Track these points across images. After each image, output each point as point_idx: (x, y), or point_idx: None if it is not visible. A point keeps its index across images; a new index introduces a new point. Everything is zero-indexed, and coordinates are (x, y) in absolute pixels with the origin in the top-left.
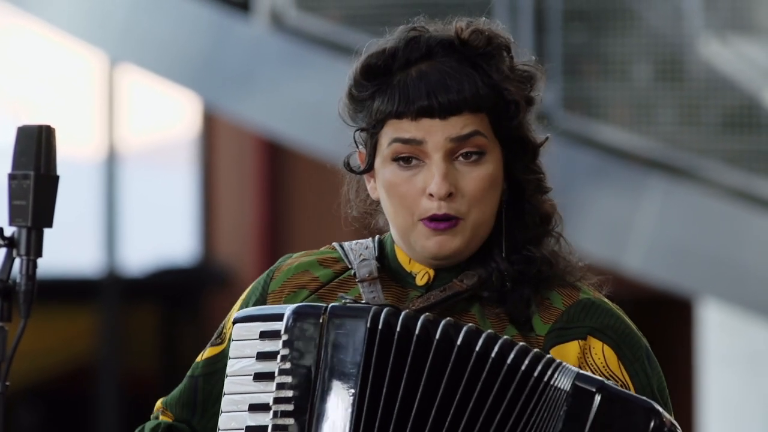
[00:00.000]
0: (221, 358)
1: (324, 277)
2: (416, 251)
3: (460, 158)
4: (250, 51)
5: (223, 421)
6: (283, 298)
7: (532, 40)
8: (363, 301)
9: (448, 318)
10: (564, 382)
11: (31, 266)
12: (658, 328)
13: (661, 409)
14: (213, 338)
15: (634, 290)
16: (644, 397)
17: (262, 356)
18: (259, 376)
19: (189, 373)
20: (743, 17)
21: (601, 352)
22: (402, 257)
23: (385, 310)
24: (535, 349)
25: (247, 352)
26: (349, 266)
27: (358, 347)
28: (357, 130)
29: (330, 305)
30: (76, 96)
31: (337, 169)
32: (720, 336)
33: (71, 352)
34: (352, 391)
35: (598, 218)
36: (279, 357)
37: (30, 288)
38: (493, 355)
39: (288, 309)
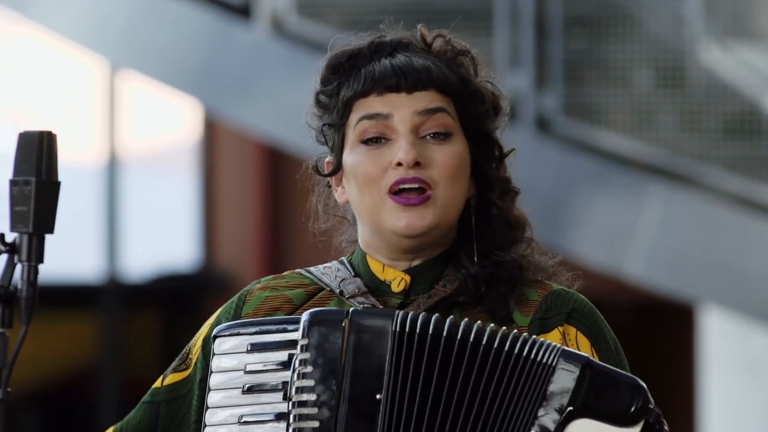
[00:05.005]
0: (185, 384)
1: (297, 298)
2: (386, 232)
3: (428, 137)
4: (251, 57)
5: None
6: None
7: (532, 46)
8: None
9: (466, 319)
10: (550, 358)
11: (32, 272)
12: (660, 334)
13: (645, 387)
14: (175, 364)
15: (636, 296)
16: (630, 374)
17: (251, 369)
18: (249, 389)
19: (146, 398)
20: (744, 23)
21: (575, 338)
22: (375, 266)
23: (410, 314)
24: (524, 334)
25: (232, 365)
26: (326, 287)
27: (384, 351)
28: (324, 125)
29: (352, 309)
30: (77, 102)
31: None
32: (721, 342)
33: (72, 358)
34: (380, 395)
35: (599, 224)
36: (298, 361)
37: (31, 294)
38: (514, 350)
39: (305, 314)
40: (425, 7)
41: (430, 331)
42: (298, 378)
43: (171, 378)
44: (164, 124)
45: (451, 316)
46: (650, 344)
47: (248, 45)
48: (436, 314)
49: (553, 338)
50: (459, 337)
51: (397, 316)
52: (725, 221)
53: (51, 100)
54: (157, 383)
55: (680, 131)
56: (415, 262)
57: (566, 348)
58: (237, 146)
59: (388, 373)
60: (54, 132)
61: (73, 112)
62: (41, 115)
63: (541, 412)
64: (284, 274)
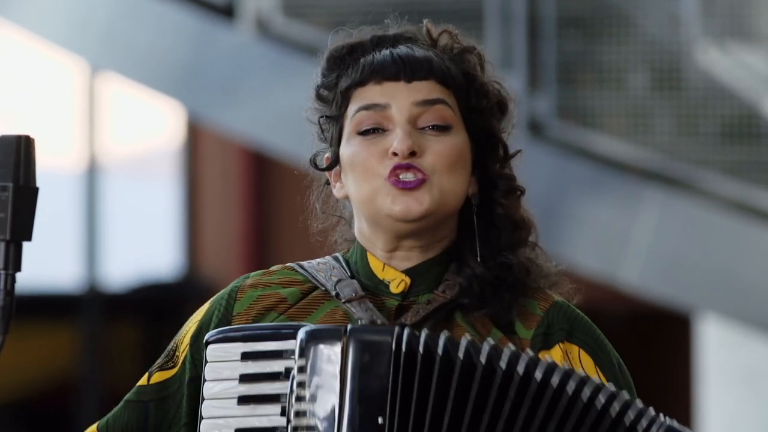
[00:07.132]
0: (174, 382)
1: (291, 297)
2: (382, 218)
3: (427, 129)
4: (235, 59)
5: None
6: (250, 320)
7: (525, 48)
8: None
9: (468, 337)
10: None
11: (9, 281)
12: (656, 342)
13: None
14: (161, 361)
15: (631, 304)
16: None
17: (246, 378)
18: (244, 399)
19: (131, 397)
20: (742, 24)
21: (578, 357)
22: (375, 264)
23: (407, 331)
24: (624, 392)
25: (226, 374)
26: (320, 286)
27: (386, 371)
28: (322, 117)
29: (350, 327)
30: (56, 105)
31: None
32: (718, 351)
33: (52, 369)
34: (381, 418)
35: (594, 231)
36: (296, 383)
37: (8, 303)
38: (544, 380)
39: (301, 331)
40: (415, 7)
41: (440, 351)
42: (296, 401)
43: (158, 376)
44: (146, 128)
45: (467, 335)
46: (646, 353)
47: (232, 46)
48: (447, 332)
49: (555, 355)
50: (483, 362)
51: (399, 334)
52: (723, 227)
53: (29, 102)
54: (143, 381)
55: (677, 135)
56: (415, 262)
57: (672, 425)
58: (221, 150)
59: (391, 395)
60: (32, 136)
61: (52, 115)
62: (19, 118)
63: None
64: (274, 269)
